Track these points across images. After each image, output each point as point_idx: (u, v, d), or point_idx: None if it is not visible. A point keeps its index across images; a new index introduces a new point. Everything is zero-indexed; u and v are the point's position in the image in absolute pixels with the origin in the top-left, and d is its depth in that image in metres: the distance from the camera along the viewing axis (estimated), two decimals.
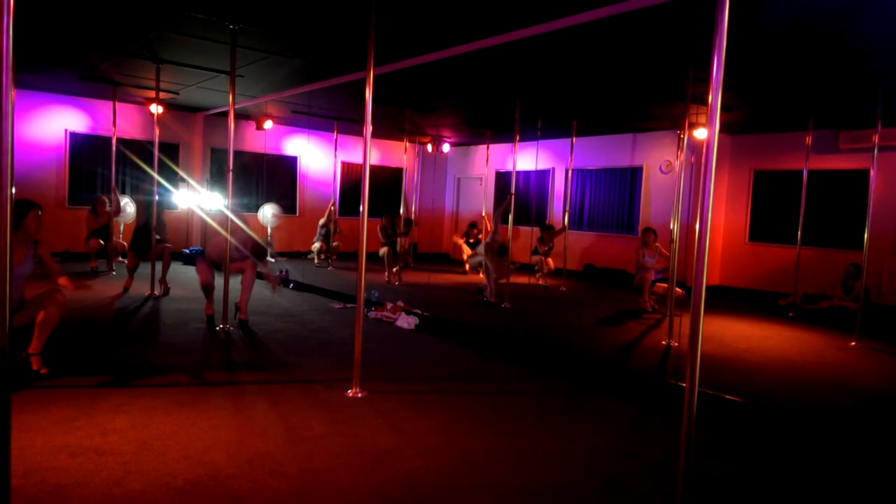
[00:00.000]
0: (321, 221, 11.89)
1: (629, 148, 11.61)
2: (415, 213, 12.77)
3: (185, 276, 9.33)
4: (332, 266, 11.47)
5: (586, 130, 11.30)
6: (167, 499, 2.54)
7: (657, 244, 8.21)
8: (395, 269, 9.86)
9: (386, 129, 12.89)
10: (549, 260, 10.46)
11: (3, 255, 1.84)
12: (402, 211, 10.53)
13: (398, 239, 10.09)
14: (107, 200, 9.60)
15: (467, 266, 11.63)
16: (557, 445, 3.40)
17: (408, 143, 12.85)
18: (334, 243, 11.77)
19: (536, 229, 10.84)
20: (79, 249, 10.61)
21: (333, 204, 12.07)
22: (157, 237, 7.68)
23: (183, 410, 3.58)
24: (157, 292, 7.55)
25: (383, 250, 9.97)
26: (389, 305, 7.06)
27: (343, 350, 5.27)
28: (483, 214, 12.52)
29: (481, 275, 9.11)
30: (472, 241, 11.56)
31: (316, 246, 11.77)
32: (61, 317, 4.18)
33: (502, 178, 14.04)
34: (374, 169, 13.97)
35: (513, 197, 8.34)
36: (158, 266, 7.62)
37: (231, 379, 4.35)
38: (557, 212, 12.66)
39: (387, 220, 10.22)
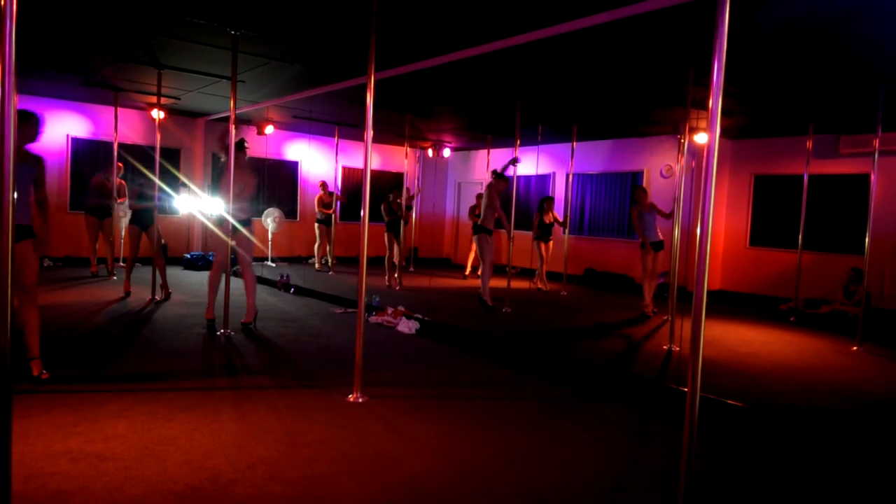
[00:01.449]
0: (318, 200, 11.67)
1: (630, 152, 11.61)
2: (414, 217, 12.75)
3: (185, 281, 9.33)
4: (333, 270, 11.47)
5: (587, 135, 11.31)
6: None
7: (651, 202, 8.12)
8: (395, 274, 9.87)
9: (387, 134, 12.91)
10: (551, 244, 10.39)
11: (4, 255, 1.84)
12: (404, 190, 10.30)
13: (401, 220, 9.86)
14: (122, 167, 9.59)
15: (468, 271, 11.62)
16: (558, 450, 3.39)
17: (408, 148, 12.85)
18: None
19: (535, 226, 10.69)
20: (80, 254, 10.62)
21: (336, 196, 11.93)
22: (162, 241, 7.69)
23: (184, 415, 3.57)
24: (157, 297, 7.55)
25: (387, 237, 9.83)
26: (390, 310, 7.06)
27: (344, 354, 5.27)
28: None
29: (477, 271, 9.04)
30: (477, 213, 11.44)
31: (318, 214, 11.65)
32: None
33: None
34: (374, 174, 13.95)
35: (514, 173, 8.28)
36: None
37: (232, 384, 4.34)
38: (558, 216, 12.62)
39: (394, 196, 9.89)
